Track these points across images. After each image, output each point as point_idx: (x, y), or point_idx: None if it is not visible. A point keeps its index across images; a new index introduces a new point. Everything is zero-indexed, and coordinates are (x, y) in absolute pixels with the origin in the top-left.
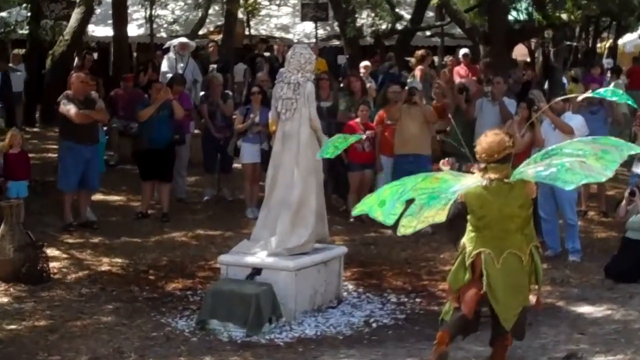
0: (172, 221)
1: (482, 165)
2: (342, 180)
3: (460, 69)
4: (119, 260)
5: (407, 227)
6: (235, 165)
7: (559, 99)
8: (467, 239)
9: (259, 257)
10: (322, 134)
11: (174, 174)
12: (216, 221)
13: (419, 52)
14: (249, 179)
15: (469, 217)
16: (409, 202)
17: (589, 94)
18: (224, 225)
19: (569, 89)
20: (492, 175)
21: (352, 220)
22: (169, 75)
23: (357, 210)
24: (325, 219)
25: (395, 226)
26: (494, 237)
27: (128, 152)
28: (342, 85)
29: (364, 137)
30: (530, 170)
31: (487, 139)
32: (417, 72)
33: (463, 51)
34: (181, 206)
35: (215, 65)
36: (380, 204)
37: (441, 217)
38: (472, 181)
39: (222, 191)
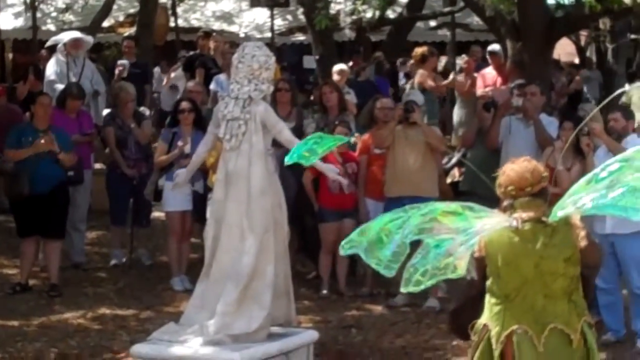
0: (65, 296)
1: (506, 203)
2: (310, 235)
3: (487, 75)
4: None
5: (412, 282)
6: (156, 214)
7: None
8: (489, 317)
9: (190, 346)
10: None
11: (67, 228)
12: (128, 296)
13: (419, 50)
14: (175, 235)
15: (489, 282)
16: (415, 244)
17: None
18: (140, 301)
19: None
20: (524, 214)
21: (324, 292)
22: (58, 86)
23: (347, 247)
24: (290, 294)
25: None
26: (531, 308)
27: (3, 196)
28: (310, 98)
29: (352, 140)
30: (581, 200)
31: (514, 167)
32: (419, 77)
33: (492, 47)
34: (78, 274)
35: (124, 63)
36: (377, 242)
37: (459, 269)
38: (496, 221)
39: (137, 252)
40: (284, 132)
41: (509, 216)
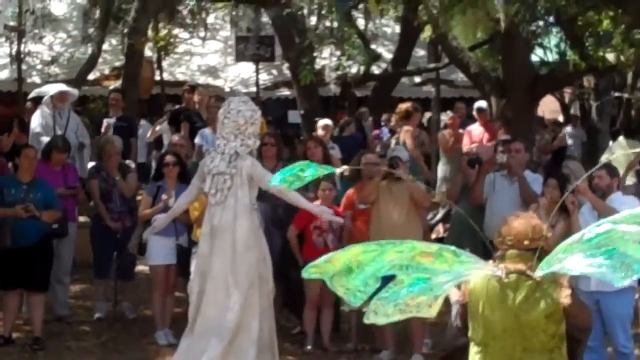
0: (48, 349)
1: (499, 254)
2: (295, 290)
3: (473, 131)
4: None
5: (378, 314)
6: (140, 267)
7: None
8: None
9: None
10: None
11: (51, 280)
12: (112, 350)
13: (403, 106)
14: (159, 289)
15: (470, 329)
16: (386, 279)
17: None
18: (124, 355)
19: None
20: (511, 266)
21: (309, 348)
22: (44, 139)
23: (312, 271)
24: (274, 348)
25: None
26: (507, 357)
27: None
28: (294, 153)
29: (338, 171)
30: (566, 260)
31: (518, 220)
32: (404, 134)
33: (479, 104)
34: (61, 327)
35: (110, 122)
36: (347, 271)
37: (430, 311)
38: (481, 268)
39: (121, 306)
40: (267, 176)
41: (495, 266)
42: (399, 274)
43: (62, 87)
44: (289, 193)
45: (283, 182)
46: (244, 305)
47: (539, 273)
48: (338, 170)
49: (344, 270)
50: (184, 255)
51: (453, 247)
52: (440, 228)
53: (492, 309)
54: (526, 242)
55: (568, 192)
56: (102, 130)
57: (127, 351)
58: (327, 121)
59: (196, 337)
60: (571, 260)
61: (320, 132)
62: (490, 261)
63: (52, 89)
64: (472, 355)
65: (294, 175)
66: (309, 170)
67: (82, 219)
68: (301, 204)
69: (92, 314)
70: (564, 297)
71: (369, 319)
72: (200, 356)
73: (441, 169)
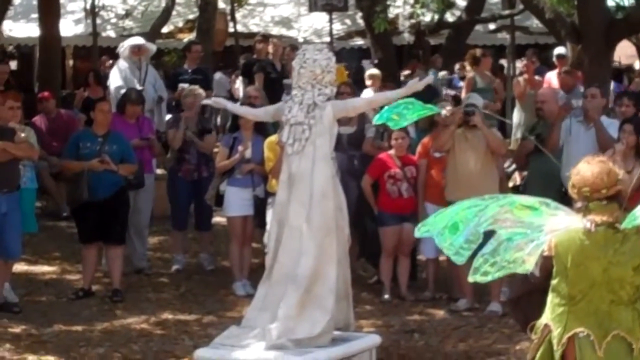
0: (127, 301)
1: (580, 205)
2: (371, 239)
3: (553, 77)
4: (51, 357)
5: (481, 272)
6: (217, 219)
7: None
8: (552, 317)
9: (253, 351)
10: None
11: (129, 233)
12: (190, 301)
13: (471, 52)
14: (236, 240)
15: (555, 281)
16: (488, 233)
17: None
18: (202, 306)
19: None
20: (598, 218)
21: (386, 297)
22: (124, 92)
23: (423, 230)
24: (349, 297)
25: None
26: (595, 312)
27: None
28: None
29: (443, 112)
30: None
31: (590, 167)
32: (466, 80)
33: (559, 51)
34: (140, 279)
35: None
36: (452, 228)
37: (527, 265)
38: (569, 221)
39: (199, 257)
40: (356, 102)
41: (582, 218)
42: (498, 229)
43: (140, 40)
44: (375, 98)
45: (388, 120)
46: (320, 254)
47: (626, 225)
48: (444, 112)
49: (451, 226)
50: (260, 206)
51: (547, 200)
52: (516, 176)
53: (580, 262)
54: (603, 191)
55: None
56: (177, 95)
57: (205, 302)
58: (374, 71)
59: (273, 284)
60: None
61: (367, 82)
62: (575, 212)
63: (131, 42)
64: (553, 307)
65: (399, 113)
66: (414, 109)
67: (159, 171)
68: (390, 97)
69: (170, 265)
70: None
71: (474, 277)
72: (277, 303)
73: (516, 116)
